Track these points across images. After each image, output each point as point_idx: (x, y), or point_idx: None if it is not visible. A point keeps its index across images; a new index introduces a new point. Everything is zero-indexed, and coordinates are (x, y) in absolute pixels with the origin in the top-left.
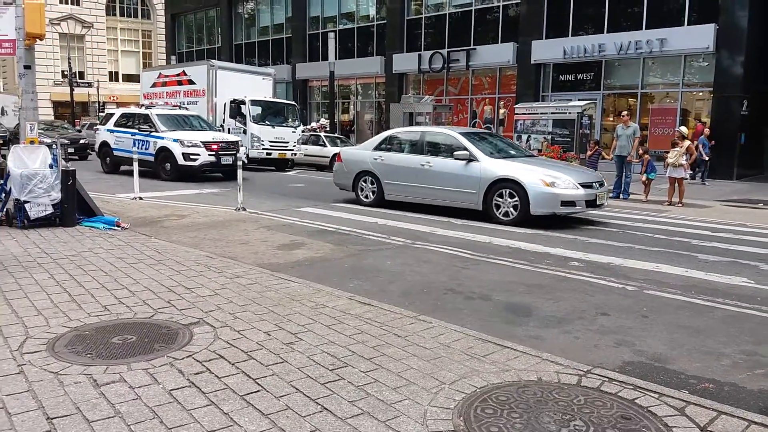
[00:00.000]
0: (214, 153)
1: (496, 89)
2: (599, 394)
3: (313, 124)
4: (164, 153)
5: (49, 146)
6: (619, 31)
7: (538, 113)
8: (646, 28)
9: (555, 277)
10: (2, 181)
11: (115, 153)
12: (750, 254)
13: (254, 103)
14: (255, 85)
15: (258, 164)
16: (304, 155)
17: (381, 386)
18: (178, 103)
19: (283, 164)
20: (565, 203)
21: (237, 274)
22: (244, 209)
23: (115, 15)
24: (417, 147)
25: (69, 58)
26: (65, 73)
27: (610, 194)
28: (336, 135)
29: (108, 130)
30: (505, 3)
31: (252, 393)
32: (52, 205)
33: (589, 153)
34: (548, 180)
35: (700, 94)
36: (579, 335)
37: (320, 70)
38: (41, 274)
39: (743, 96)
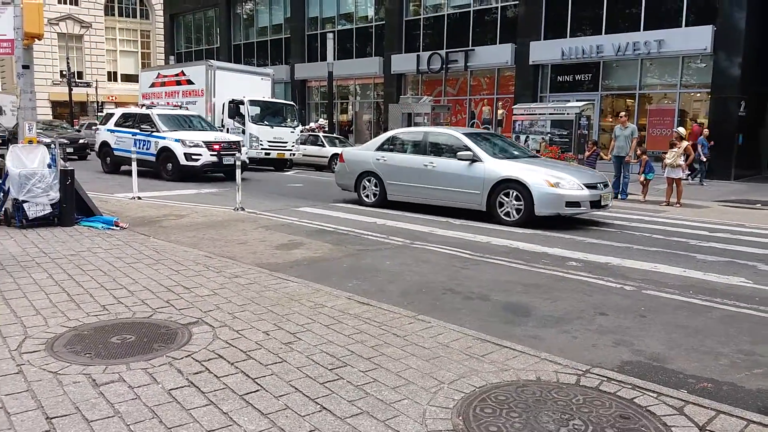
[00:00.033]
0: (216, 153)
1: (495, 90)
2: (598, 393)
3: (312, 125)
4: (166, 153)
5: (48, 146)
6: (617, 32)
7: (536, 114)
8: (644, 30)
9: (553, 277)
10: (0, 181)
11: (116, 153)
12: (748, 254)
13: (253, 103)
14: (254, 85)
15: (257, 164)
16: (303, 155)
17: (380, 386)
18: (179, 103)
19: (281, 164)
20: (569, 204)
21: (236, 274)
22: (243, 209)
23: (113, 15)
24: (420, 147)
25: (67, 58)
26: (64, 73)
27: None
28: (334, 135)
29: (108, 130)
30: (503, 4)
31: (251, 393)
32: (51, 204)
33: (587, 153)
34: (553, 181)
35: (698, 95)
36: (577, 335)
37: (319, 71)
38: (40, 273)
39: (741, 97)
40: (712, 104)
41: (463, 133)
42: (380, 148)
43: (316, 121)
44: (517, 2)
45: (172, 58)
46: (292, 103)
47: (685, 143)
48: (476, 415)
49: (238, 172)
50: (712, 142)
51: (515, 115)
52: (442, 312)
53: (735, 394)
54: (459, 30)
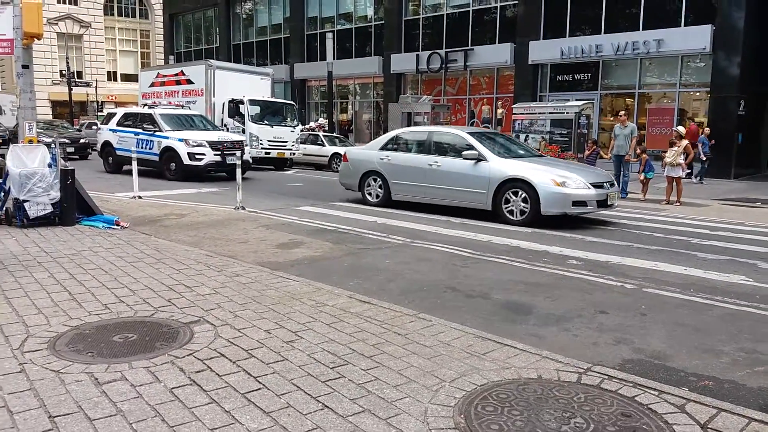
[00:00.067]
0: (219, 153)
1: (494, 89)
2: (599, 391)
3: (312, 124)
4: (169, 153)
5: (48, 145)
6: (616, 31)
7: (535, 113)
8: (643, 29)
9: (554, 276)
10: (1, 181)
11: (118, 153)
12: (748, 252)
13: (253, 102)
14: (253, 84)
15: (257, 163)
16: (303, 154)
17: (382, 384)
18: (181, 103)
19: (281, 163)
20: (576, 203)
21: (237, 273)
22: (244, 208)
23: (113, 15)
24: (424, 147)
25: (67, 58)
26: (63, 72)
27: None
28: (334, 134)
29: (111, 130)
30: (502, 4)
31: (253, 391)
32: (52, 204)
33: (587, 152)
34: (559, 180)
35: (697, 94)
36: (578, 333)
37: (318, 70)
38: (41, 273)
39: (740, 96)
40: (712, 103)
41: (468, 133)
42: (384, 148)
43: (316, 120)
44: (516, 2)
45: (171, 57)
46: (292, 102)
47: (684, 142)
48: (478, 413)
49: (238, 171)
50: (713, 141)
51: (515, 114)
52: (443, 310)
53: (736, 392)
54: (458, 29)
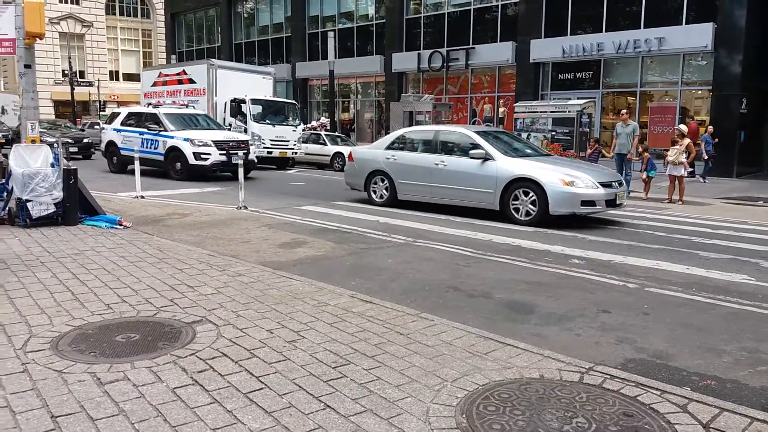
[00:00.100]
0: (225, 152)
1: (496, 88)
2: (601, 391)
3: (314, 123)
4: (174, 152)
5: (51, 145)
6: (617, 30)
7: (537, 112)
8: (644, 27)
9: (555, 275)
10: (4, 181)
11: (123, 152)
12: (750, 251)
13: (255, 101)
14: (255, 84)
15: (259, 163)
16: (305, 154)
17: (384, 384)
18: (186, 102)
19: (283, 163)
20: (585, 203)
21: (239, 273)
22: (246, 208)
23: (114, 14)
24: (431, 146)
25: (69, 58)
26: (65, 72)
27: None
28: (336, 134)
29: (115, 130)
30: (503, 2)
31: (255, 391)
32: (54, 204)
33: (589, 151)
34: (567, 179)
35: (699, 92)
36: (580, 332)
37: (320, 69)
38: (44, 272)
39: (742, 94)
40: (714, 101)
41: (475, 132)
42: (390, 147)
43: (318, 119)
44: (517, 0)
45: (173, 57)
46: (293, 101)
47: (686, 140)
48: (480, 412)
49: (240, 170)
50: (716, 140)
51: (517, 113)
52: (445, 310)
53: (738, 391)
54: (460, 28)
